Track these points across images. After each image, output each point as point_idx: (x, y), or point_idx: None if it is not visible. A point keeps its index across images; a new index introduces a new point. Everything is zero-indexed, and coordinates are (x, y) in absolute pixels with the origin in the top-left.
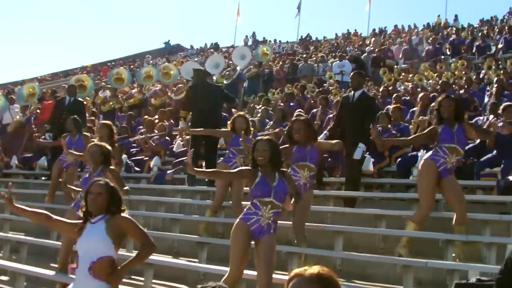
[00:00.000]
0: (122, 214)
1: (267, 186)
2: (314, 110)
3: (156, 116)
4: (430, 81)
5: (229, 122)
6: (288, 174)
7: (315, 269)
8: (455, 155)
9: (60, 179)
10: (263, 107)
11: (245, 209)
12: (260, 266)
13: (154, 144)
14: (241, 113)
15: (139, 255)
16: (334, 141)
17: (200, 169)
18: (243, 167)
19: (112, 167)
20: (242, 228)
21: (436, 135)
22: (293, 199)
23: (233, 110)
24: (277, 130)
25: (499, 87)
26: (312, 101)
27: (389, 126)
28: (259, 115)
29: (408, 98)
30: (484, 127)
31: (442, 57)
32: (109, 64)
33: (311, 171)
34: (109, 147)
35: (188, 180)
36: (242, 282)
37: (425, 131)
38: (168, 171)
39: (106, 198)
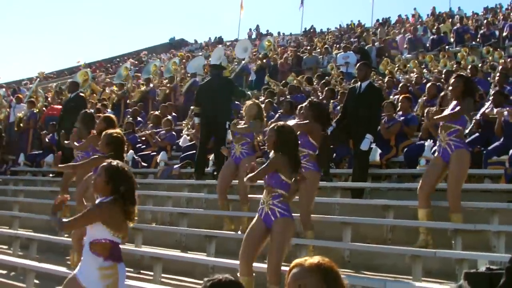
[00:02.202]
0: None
1: None
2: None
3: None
4: (432, 72)
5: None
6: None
7: (315, 259)
8: (444, 132)
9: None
10: (266, 100)
11: None
12: (269, 252)
13: (160, 140)
14: (251, 101)
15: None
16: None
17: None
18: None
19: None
20: (254, 221)
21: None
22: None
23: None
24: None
25: (502, 75)
26: (315, 93)
27: (394, 115)
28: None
29: (412, 88)
30: (490, 116)
31: (447, 46)
32: (114, 60)
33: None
34: (119, 135)
35: (195, 174)
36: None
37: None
38: (175, 166)
39: (105, 179)
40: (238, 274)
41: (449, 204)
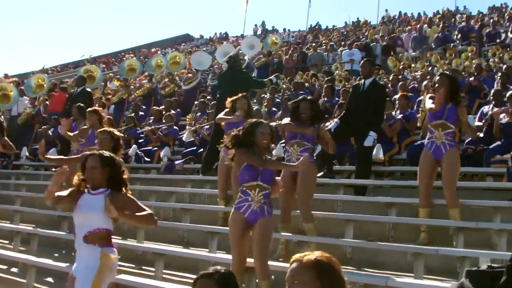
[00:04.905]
0: (127, 194)
1: (254, 170)
2: (320, 100)
3: (163, 106)
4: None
5: (229, 101)
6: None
7: (314, 254)
8: (441, 130)
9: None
10: (269, 96)
11: (237, 199)
12: (255, 249)
13: (162, 134)
14: (243, 94)
15: (138, 215)
16: (331, 142)
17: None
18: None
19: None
20: (236, 218)
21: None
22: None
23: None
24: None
25: (504, 75)
26: (320, 90)
27: (392, 113)
28: (265, 104)
29: (417, 85)
30: (488, 116)
31: (452, 44)
32: (119, 55)
33: (301, 147)
34: (118, 133)
35: (202, 168)
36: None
37: None
38: (178, 161)
39: (103, 171)
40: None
41: (447, 200)
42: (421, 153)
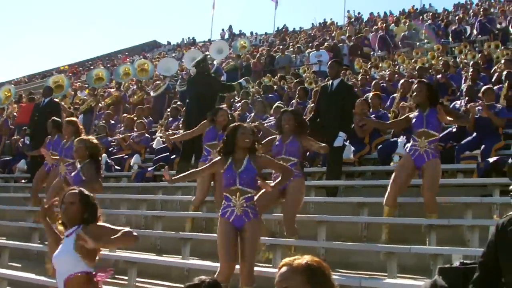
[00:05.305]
0: (98, 223)
1: (232, 174)
2: (293, 101)
3: (134, 114)
4: (405, 66)
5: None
6: (262, 156)
7: (304, 259)
8: (424, 138)
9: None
10: (242, 101)
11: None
12: (242, 254)
13: (133, 142)
14: (225, 106)
15: (116, 237)
16: (322, 144)
17: (177, 176)
18: (215, 159)
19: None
20: (222, 224)
21: (409, 122)
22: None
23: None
24: (256, 123)
25: (474, 71)
26: (290, 92)
27: (367, 112)
28: (239, 109)
29: (385, 85)
30: (461, 111)
31: (418, 43)
32: (86, 64)
33: (287, 162)
34: (95, 141)
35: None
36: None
37: (401, 118)
38: (149, 168)
39: (80, 208)
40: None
41: (426, 206)
42: (403, 157)
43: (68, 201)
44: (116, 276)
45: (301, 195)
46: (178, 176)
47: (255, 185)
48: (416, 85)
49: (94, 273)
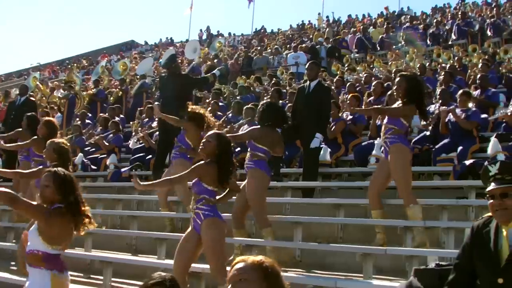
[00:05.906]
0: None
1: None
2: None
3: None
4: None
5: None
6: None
7: (259, 257)
8: (383, 131)
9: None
10: (213, 101)
11: None
12: (206, 255)
13: (107, 144)
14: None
15: None
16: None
17: (149, 183)
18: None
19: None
20: (188, 232)
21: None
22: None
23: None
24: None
25: (446, 74)
26: (265, 93)
27: (339, 114)
28: (209, 109)
29: (359, 88)
30: (435, 114)
31: (394, 46)
32: (63, 63)
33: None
34: (64, 145)
35: (153, 176)
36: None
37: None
38: (125, 168)
39: (54, 189)
40: None
41: (403, 198)
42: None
43: (43, 184)
44: (91, 276)
45: (255, 189)
46: (151, 183)
47: (201, 189)
48: (397, 79)
49: (55, 254)
